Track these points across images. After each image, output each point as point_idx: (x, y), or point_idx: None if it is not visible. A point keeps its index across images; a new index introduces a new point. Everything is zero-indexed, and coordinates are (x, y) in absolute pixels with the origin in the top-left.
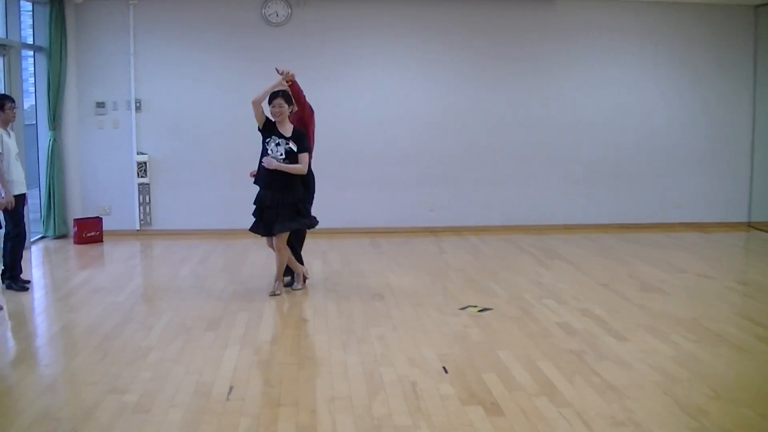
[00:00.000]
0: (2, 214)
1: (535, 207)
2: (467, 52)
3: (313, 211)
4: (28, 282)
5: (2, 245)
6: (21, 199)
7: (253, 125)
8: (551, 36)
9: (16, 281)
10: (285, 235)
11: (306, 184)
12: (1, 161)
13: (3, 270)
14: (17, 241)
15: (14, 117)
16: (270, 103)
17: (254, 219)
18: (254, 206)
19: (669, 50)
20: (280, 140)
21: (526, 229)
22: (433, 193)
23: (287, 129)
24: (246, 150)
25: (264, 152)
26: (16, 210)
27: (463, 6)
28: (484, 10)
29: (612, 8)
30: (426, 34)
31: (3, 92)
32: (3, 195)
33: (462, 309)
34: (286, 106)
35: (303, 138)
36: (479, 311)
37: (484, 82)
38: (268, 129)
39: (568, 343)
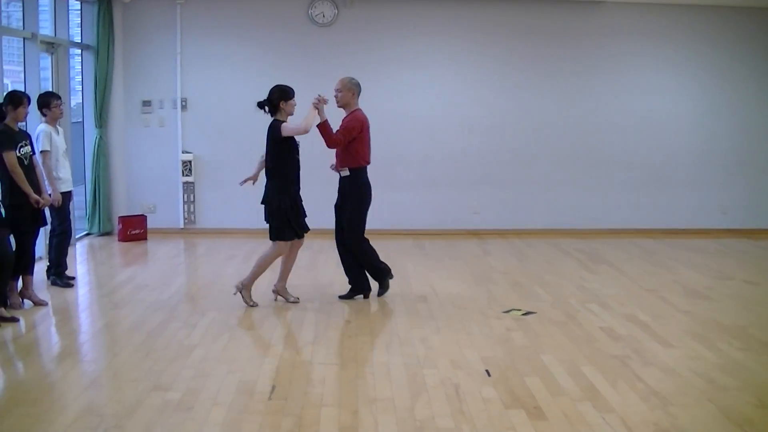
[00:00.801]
0: (49, 211)
1: (580, 210)
2: (514, 54)
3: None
4: (73, 278)
5: (48, 241)
6: (68, 196)
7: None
8: (598, 39)
9: (62, 278)
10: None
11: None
12: (49, 159)
13: (48, 266)
14: (63, 237)
15: (61, 114)
16: (292, 96)
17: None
18: (299, 208)
19: (716, 55)
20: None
21: (571, 232)
22: (477, 195)
23: None
24: None
25: (295, 151)
26: (62, 207)
27: (510, 8)
28: (533, 12)
29: (659, 12)
30: (473, 36)
31: (50, 90)
32: (51, 192)
33: (506, 312)
34: None
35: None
36: (523, 315)
37: (531, 85)
38: None
39: (613, 348)
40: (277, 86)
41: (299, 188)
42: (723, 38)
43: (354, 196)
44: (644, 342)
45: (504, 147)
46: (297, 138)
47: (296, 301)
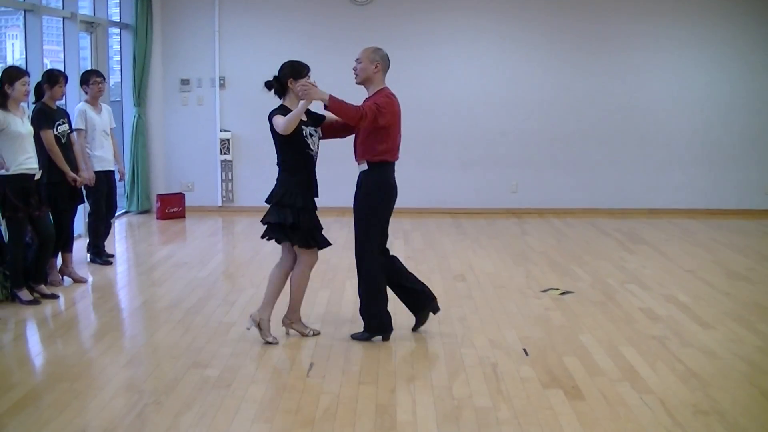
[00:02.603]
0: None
1: (619, 190)
2: (552, 32)
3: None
4: (112, 256)
5: (87, 220)
6: (107, 175)
7: None
8: (638, 18)
9: (100, 255)
10: None
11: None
12: (83, 138)
13: (88, 244)
14: (94, 217)
15: (101, 92)
16: (305, 74)
17: (319, 230)
18: (314, 214)
19: (756, 33)
20: (309, 128)
21: (610, 212)
22: (516, 174)
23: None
24: None
25: (305, 146)
26: (96, 187)
27: None
28: None
29: None
30: (511, 14)
31: (91, 68)
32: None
33: (544, 292)
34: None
35: (320, 117)
36: (561, 294)
37: (570, 64)
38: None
39: (652, 329)
40: (289, 62)
41: (316, 191)
42: (760, 17)
43: (371, 198)
44: (684, 323)
45: (543, 126)
46: (306, 129)
47: (317, 333)
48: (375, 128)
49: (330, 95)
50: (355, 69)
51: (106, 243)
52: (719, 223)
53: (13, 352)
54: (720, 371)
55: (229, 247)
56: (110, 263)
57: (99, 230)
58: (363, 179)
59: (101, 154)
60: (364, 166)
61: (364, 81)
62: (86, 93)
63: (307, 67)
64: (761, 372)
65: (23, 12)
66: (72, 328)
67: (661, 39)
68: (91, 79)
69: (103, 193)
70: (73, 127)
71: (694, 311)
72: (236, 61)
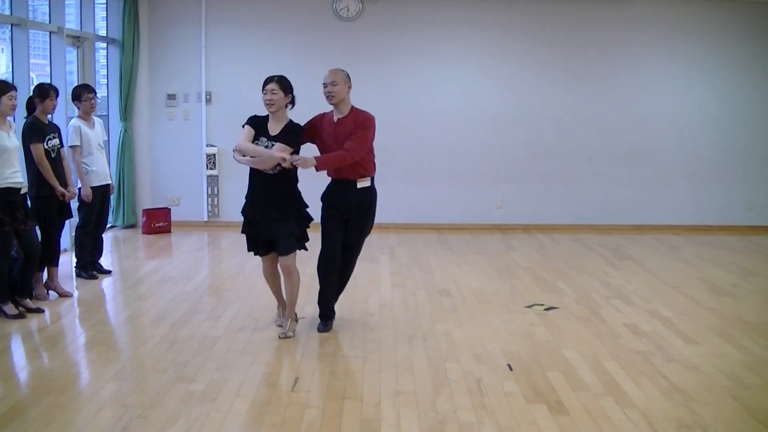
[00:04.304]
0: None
1: (605, 206)
2: (539, 48)
3: (382, 207)
4: (109, 272)
5: (75, 234)
6: (103, 190)
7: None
8: (623, 34)
9: (86, 269)
10: (294, 255)
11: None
12: (79, 154)
13: (78, 259)
14: (80, 232)
15: (93, 107)
16: (263, 89)
17: (247, 237)
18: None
19: (743, 51)
20: (268, 142)
21: (595, 228)
22: (501, 190)
23: (278, 125)
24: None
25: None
26: (90, 203)
27: (537, 3)
28: (558, 6)
29: (685, 7)
30: (497, 31)
31: (82, 83)
32: (81, 187)
33: (528, 307)
34: (282, 94)
35: (296, 134)
36: (545, 310)
37: (556, 80)
38: (259, 128)
39: (636, 344)
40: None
41: (262, 199)
42: (750, 35)
43: (373, 212)
44: (668, 338)
45: (528, 142)
46: (262, 141)
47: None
48: (369, 148)
49: (315, 159)
50: (330, 92)
51: (87, 259)
52: (703, 239)
53: None
54: (704, 386)
55: (215, 261)
56: (96, 278)
57: (85, 244)
58: (366, 194)
59: (98, 169)
60: (366, 183)
61: (339, 102)
62: (78, 108)
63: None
64: (744, 387)
65: (10, 26)
66: (57, 342)
67: (648, 56)
68: (83, 94)
69: (95, 208)
70: (69, 143)
71: (678, 326)
72: (223, 76)
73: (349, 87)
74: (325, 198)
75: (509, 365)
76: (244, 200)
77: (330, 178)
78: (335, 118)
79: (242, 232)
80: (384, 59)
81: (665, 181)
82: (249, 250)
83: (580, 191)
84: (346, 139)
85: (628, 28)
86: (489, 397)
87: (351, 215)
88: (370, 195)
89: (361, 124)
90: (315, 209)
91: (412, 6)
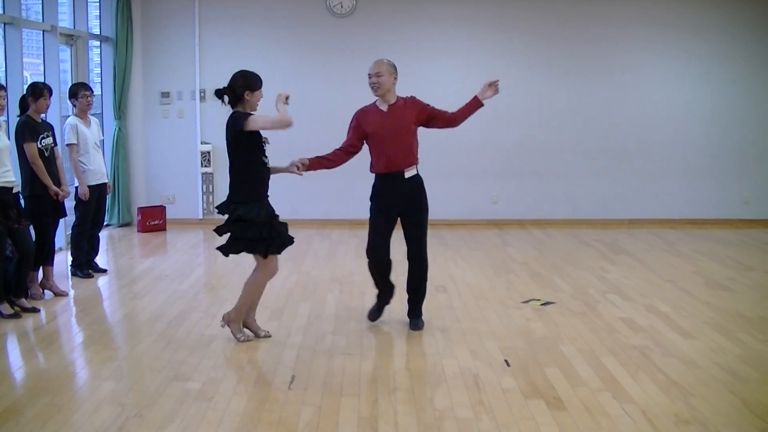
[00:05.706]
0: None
1: (600, 201)
2: (533, 44)
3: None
4: (104, 271)
5: (71, 233)
6: (99, 188)
7: (318, 115)
8: (619, 29)
9: (82, 269)
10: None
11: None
12: (75, 152)
13: (73, 258)
14: (76, 230)
15: (89, 105)
16: (259, 86)
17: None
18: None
19: (738, 45)
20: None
21: (591, 223)
22: (497, 185)
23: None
24: (308, 141)
25: (261, 154)
26: (87, 201)
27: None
28: (551, 1)
29: (679, 1)
30: (493, 25)
31: (77, 81)
32: (78, 186)
33: (525, 302)
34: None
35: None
36: (542, 305)
37: (550, 75)
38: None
39: (633, 339)
40: (241, 72)
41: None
42: (744, 29)
43: (425, 198)
44: (664, 333)
45: (524, 137)
46: (265, 135)
47: (268, 336)
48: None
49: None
50: (376, 83)
51: (84, 257)
52: (699, 233)
53: None
54: (701, 380)
55: (211, 259)
56: (91, 276)
57: (81, 243)
58: (417, 183)
59: (95, 167)
60: (413, 171)
61: (385, 92)
62: (74, 107)
63: (260, 79)
64: (742, 381)
65: (2, 25)
66: (53, 341)
67: (643, 51)
68: (79, 92)
69: (92, 207)
70: (66, 141)
71: (674, 321)
72: (217, 73)
73: (395, 78)
74: (374, 197)
75: (506, 361)
76: (253, 203)
77: (374, 175)
78: (384, 108)
79: (257, 236)
80: (378, 55)
81: (661, 175)
82: (267, 254)
83: (576, 186)
84: (405, 124)
85: (621, 24)
86: (486, 394)
87: (404, 208)
88: (419, 183)
89: (418, 104)
90: (355, 205)
91: (405, 2)
